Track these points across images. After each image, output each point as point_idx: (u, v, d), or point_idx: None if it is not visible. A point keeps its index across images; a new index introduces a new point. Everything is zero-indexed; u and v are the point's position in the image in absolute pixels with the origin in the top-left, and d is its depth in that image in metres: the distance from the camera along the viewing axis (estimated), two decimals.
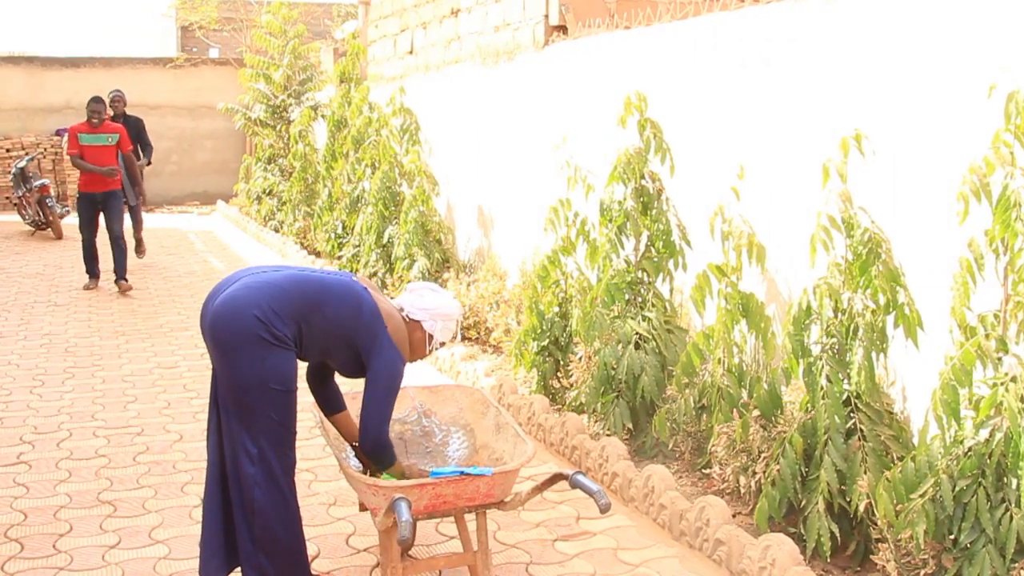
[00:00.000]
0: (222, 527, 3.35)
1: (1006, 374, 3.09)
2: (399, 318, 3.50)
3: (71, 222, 15.58)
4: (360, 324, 3.33)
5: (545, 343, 5.67)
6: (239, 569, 3.39)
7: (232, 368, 3.21)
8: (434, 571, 3.70)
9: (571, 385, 5.52)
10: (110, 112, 11.04)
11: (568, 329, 5.61)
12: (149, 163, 12.29)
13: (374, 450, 3.38)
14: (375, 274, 8.81)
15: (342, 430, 3.73)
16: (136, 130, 11.59)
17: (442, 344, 3.66)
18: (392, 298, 3.74)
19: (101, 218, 9.91)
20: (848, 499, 3.63)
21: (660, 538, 4.06)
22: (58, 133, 19.17)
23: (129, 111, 12.09)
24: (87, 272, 10.06)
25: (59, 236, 14.26)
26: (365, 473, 3.57)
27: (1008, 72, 3.43)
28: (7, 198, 18.54)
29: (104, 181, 9.67)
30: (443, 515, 3.31)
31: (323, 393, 3.71)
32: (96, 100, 9.78)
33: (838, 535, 3.63)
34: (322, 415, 3.78)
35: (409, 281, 7.83)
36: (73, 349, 7.41)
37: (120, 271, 9.86)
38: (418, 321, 3.55)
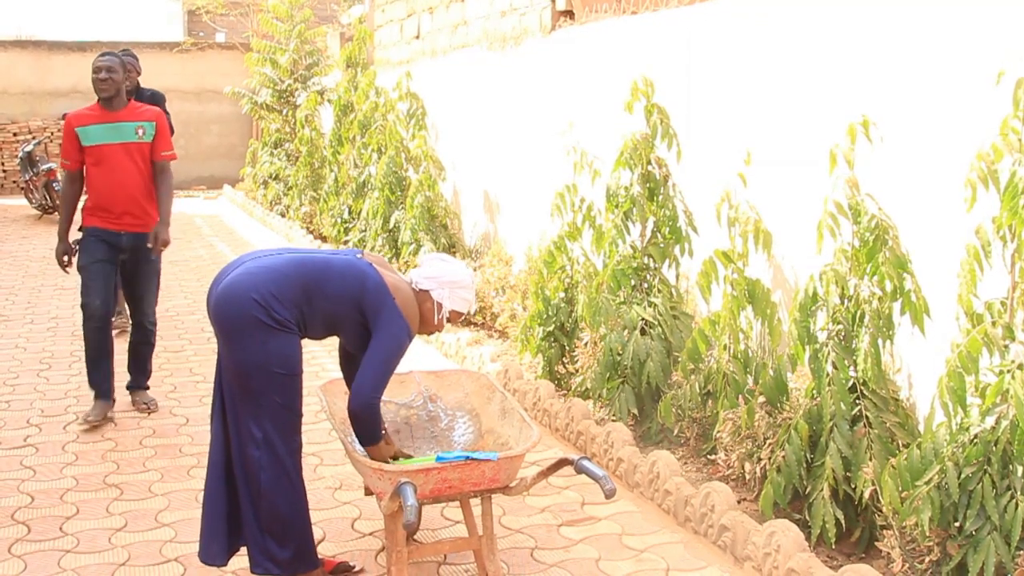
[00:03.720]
0: (225, 511, 3.35)
1: (1012, 361, 3.09)
2: (408, 290, 3.44)
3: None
4: (365, 299, 3.31)
5: (551, 328, 5.67)
6: (240, 552, 3.40)
7: (235, 352, 3.21)
8: (439, 555, 3.71)
9: (577, 371, 5.52)
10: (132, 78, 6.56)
11: (574, 315, 5.61)
12: None
13: (363, 418, 3.24)
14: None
15: None
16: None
17: (460, 315, 3.58)
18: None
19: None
20: (853, 486, 3.63)
21: (665, 524, 4.06)
22: (64, 117, 19.18)
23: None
24: (92, 385, 5.36)
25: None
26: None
27: (1017, 58, 3.41)
28: (14, 182, 18.62)
29: (134, 208, 5.29)
30: (448, 500, 3.31)
31: (351, 374, 3.70)
32: (102, 54, 5.27)
33: (843, 522, 3.63)
34: (329, 400, 3.79)
35: (415, 265, 7.84)
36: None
37: (141, 375, 5.63)
38: (427, 291, 3.49)
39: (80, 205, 5.41)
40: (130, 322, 5.59)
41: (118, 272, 5.40)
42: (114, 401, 5.37)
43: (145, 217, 5.32)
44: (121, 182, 5.23)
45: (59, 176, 5.69)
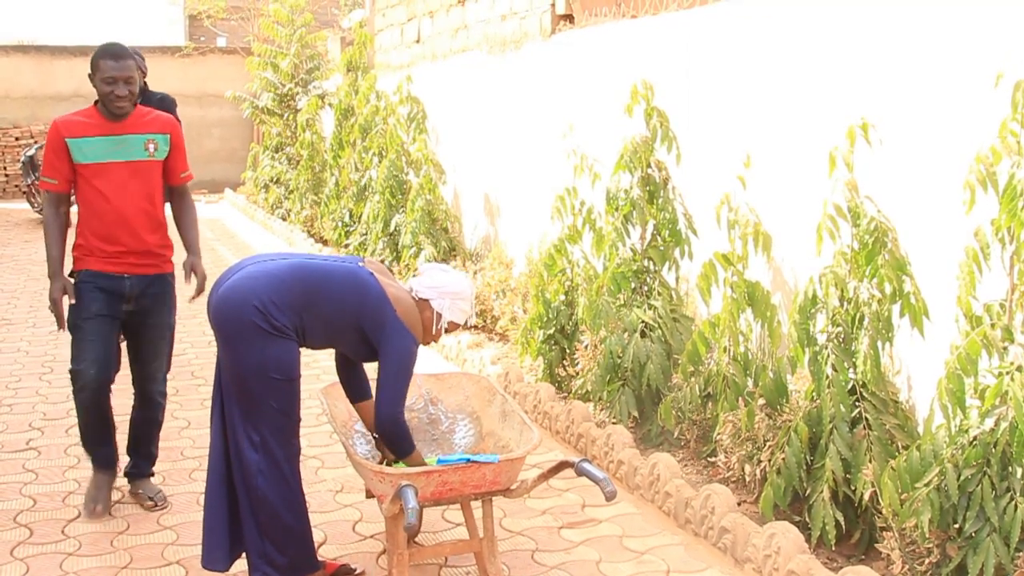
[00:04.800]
0: (226, 515, 3.35)
1: (1012, 363, 3.09)
2: (409, 300, 3.46)
3: None
4: (366, 310, 3.32)
5: (551, 331, 5.68)
6: (242, 558, 3.40)
7: (233, 357, 3.23)
8: (440, 558, 3.72)
9: (577, 373, 5.53)
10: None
11: (574, 317, 5.62)
12: None
13: (391, 433, 3.32)
14: (381, 262, 8.82)
15: (366, 419, 3.72)
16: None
17: (457, 326, 3.60)
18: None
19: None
20: (853, 488, 3.64)
21: (665, 526, 4.07)
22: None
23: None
24: (91, 456, 4.24)
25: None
26: (381, 462, 3.58)
27: (1016, 60, 3.42)
28: (16, 186, 18.65)
29: (142, 244, 4.13)
30: (449, 502, 3.32)
31: (349, 380, 3.72)
32: (113, 54, 3.98)
33: (843, 523, 3.64)
34: (330, 403, 3.80)
35: (415, 269, 7.86)
36: None
37: (143, 459, 4.35)
38: (427, 300, 3.51)
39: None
40: (133, 392, 4.32)
41: (121, 328, 4.20)
42: (118, 471, 4.27)
43: (155, 256, 4.16)
44: (126, 211, 4.05)
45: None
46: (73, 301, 4.02)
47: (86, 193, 4.06)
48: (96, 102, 4.07)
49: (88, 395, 4.03)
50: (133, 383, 4.28)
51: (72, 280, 4.11)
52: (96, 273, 4.06)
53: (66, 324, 4.07)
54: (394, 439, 3.35)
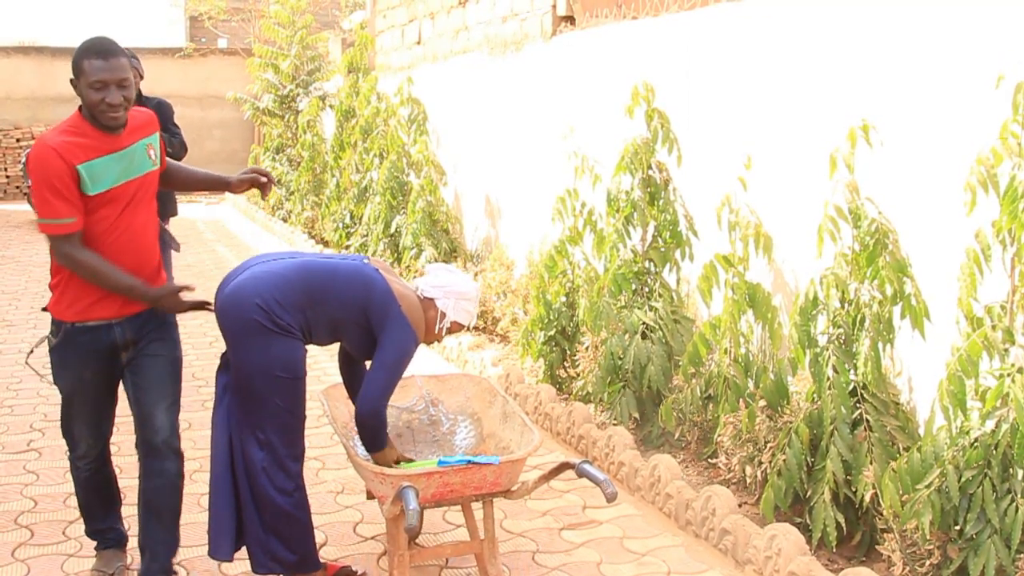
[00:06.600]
0: (231, 506, 3.34)
1: (1012, 365, 3.10)
2: (413, 297, 3.45)
3: None
4: (371, 305, 3.32)
5: (552, 333, 5.68)
6: (242, 555, 3.40)
7: (239, 356, 3.24)
8: (441, 559, 3.72)
9: (578, 375, 5.53)
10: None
11: (575, 319, 5.62)
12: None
13: (370, 425, 3.29)
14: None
15: None
16: (161, 120, 5.19)
17: (460, 326, 3.59)
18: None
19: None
20: (854, 489, 3.64)
21: (666, 527, 4.07)
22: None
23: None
24: (91, 534, 3.70)
25: None
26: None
27: (1016, 61, 3.42)
28: (17, 187, 18.66)
29: (145, 277, 3.33)
30: (450, 503, 3.33)
31: (351, 380, 3.72)
32: (100, 52, 3.08)
33: (844, 525, 3.64)
34: (331, 404, 3.80)
35: (416, 270, 7.86)
36: None
37: (161, 545, 3.46)
38: (432, 299, 3.51)
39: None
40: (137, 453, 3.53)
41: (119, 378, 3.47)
42: (126, 545, 3.69)
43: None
44: (134, 241, 3.28)
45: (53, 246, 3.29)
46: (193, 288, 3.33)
47: (87, 225, 3.21)
48: (80, 109, 3.22)
49: (87, 464, 3.55)
50: (140, 439, 3.49)
51: (66, 328, 3.32)
52: (86, 327, 3.28)
53: (55, 383, 3.40)
54: (370, 431, 3.33)
